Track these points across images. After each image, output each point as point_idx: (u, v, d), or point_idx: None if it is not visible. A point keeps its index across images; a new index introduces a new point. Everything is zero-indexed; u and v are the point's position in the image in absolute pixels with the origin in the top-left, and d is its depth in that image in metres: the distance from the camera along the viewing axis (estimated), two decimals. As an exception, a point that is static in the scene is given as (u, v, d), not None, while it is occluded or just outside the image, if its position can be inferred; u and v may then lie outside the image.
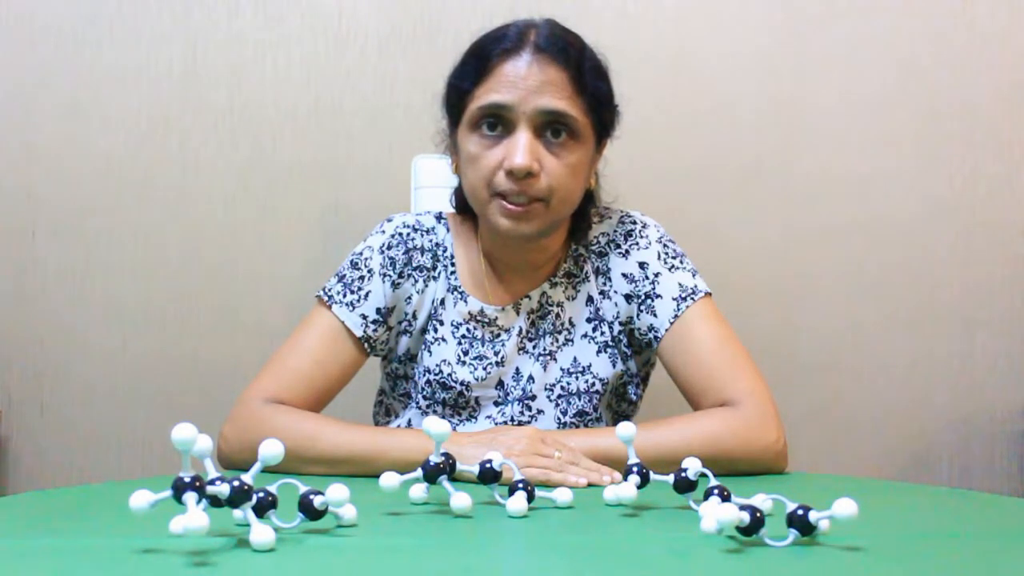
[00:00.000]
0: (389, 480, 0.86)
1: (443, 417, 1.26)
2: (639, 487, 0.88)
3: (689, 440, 1.09)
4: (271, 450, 0.74)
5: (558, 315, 1.28)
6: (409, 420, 1.31)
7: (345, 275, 1.27)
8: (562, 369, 1.27)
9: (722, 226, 1.88)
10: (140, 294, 1.83)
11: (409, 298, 1.28)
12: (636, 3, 1.88)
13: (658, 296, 1.24)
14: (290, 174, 1.84)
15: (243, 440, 1.13)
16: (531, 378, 1.26)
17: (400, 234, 1.29)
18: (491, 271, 1.28)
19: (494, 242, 1.26)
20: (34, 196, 1.82)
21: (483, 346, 1.27)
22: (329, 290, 1.26)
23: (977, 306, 1.94)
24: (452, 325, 1.27)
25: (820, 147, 1.92)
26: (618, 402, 1.32)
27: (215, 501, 0.71)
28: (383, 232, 1.29)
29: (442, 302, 1.28)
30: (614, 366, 1.28)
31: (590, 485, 1.02)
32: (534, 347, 1.27)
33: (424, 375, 1.27)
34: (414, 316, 1.28)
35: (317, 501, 0.77)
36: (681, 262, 1.27)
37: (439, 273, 1.29)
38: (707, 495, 0.81)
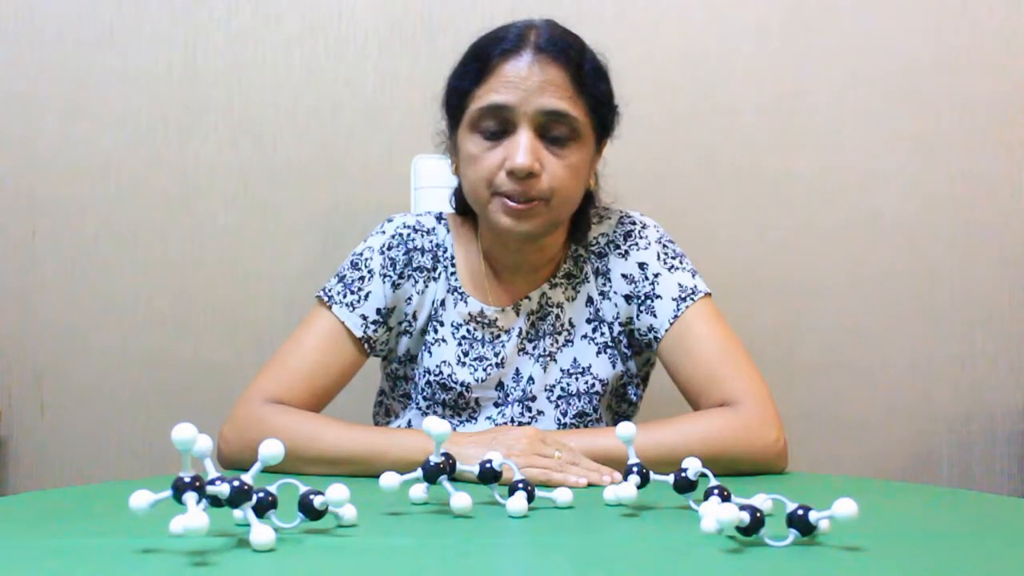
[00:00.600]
0: (389, 480, 0.86)
1: (443, 418, 1.26)
2: (639, 487, 0.88)
3: (689, 440, 1.09)
4: (271, 450, 0.74)
5: (558, 316, 1.28)
6: (409, 421, 1.31)
7: (345, 275, 1.27)
8: (562, 370, 1.27)
9: (722, 226, 1.88)
10: (140, 294, 1.83)
11: (409, 299, 1.28)
12: (636, 3, 1.88)
13: (658, 296, 1.24)
14: (290, 174, 1.84)
15: (243, 440, 1.13)
16: (531, 379, 1.26)
17: (400, 235, 1.29)
18: (491, 272, 1.28)
19: (494, 243, 1.26)
20: (34, 196, 1.82)
21: (483, 347, 1.27)
22: (329, 290, 1.26)
23: (977, 306, 1.94)
24: (452, 326, 1.27)
25: (820, 147, 1.92)
26: (618, 403, 1.32)
27: (215, 501, 0.71)
28: (383, 233, 1.29)
29: (442, 303, 1.28)
30: (614, 367, 1.28)
31: (590, 485, 1.02)
32: (534, 348, 1.27)
33: (424, 376, 1.27)
34: (414, 317, 1.28)
35: (317, 501, 0.77)
36: (681, 262, 1.27)
37: (439, 274, 1.29)
38: (707, 495, 0.81)
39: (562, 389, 1.27)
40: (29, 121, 1.81)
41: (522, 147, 1.13)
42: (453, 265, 1.29)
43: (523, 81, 1.14)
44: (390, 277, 1.26)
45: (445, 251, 1.29)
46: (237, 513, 0.74)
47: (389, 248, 1.28)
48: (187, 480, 0.68)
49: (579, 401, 1.26)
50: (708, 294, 1.25)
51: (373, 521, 0.82)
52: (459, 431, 1.25)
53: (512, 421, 1.26)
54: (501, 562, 0.72)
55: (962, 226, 1.93)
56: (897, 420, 1.94)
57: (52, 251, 1.82)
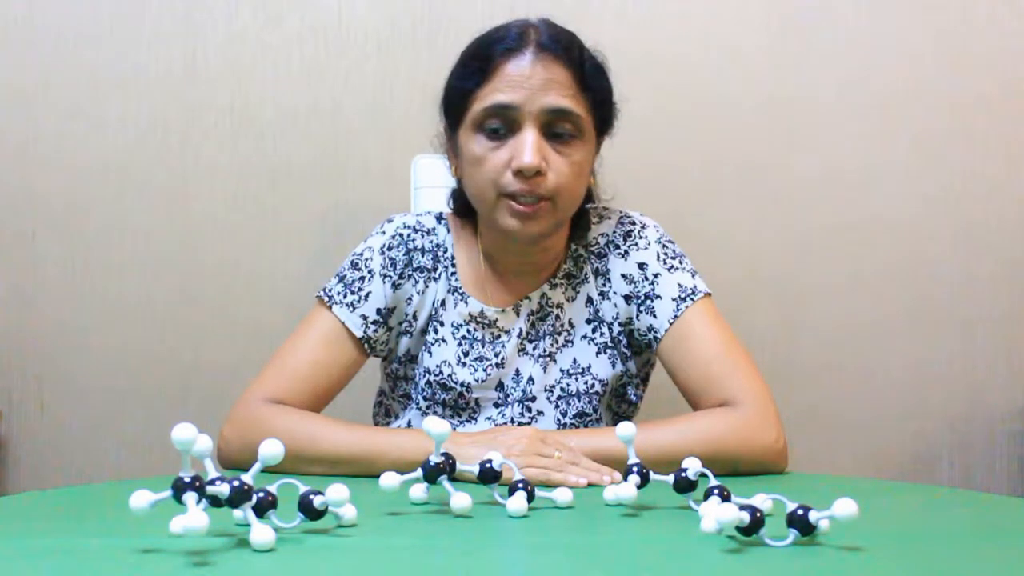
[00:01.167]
0: (389, 480, 0.86)
1: (443, 418, 1.26)
2: (639, 487, 0.88)
3: (689, 440, 1.09)
4: (271, 450, 0.74)
5: (558, 316, 1.28)
6: (409, 421, 1.31)
7: (345, 276, 1.27)
8: (562, 370, 1.27)
9: (722, 226, 1.88)
10: (140, 294, 1.82)
11: (409, 299, 1.28)
12: (636, 3, 1.88)
13: (657, 297, 1.24)
14: (290, 174, 1.84)
15: (243, 440, 1.13)
16: (531, 379, 1.26)
17: (401, 235, 1.29)
18: (491, 272, 1.28)
19: (496, 243, 1.26)
20: (34, 196, 1.81)
21: (483, 347, 1.27)
22: (329, 291, 1.26)
23: (977, 306, 1.93)
24: (452, 326, 1.27)
25: (819, 147, 1.92)
26: (618, 403, 1.32)
27: (215, 501, 0.72)
28: (383, 233, 1.29)
29: (443, 303, 1.28)
30: (614, 367, 1.28)
31: (590, 485, 1.02)
32: (534, 348, 1.27)
33: (424, 376, 1.27)
34: (414, 317, 1.28)
35: (317, 501, 0.77)
36: (680, 262, 1.27)
37: (440, 274, 1.29)
38: (707, 495, 0.81)
39: (562, 389, 1.27)
40: (29, 121, 1.81)
41: (528, 146, 1.13)
42: (454, 265, 1.29)
43: (527, 80, 1.14)
44: (390, 277, 1.26)
45: (445, 251, 1.29)
46: (237, 513, 0.74)
47: (389, 248, 1.27)
48: (187, 480, 0.68)
49: (579, 401, 1.26)
50: (708, 294, 1.25)
51: (373, 521, 0.82)
52: (459, 431, 1.25)
53: (512, 421, 1.26)
54: (501, 562, 0.72)
55: (962, 226, 1.93)
56: (897, 420, 1.94)
57: (52, 251, 1.82)
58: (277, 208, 1.84)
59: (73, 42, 1.81)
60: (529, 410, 1.26)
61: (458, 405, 1.27)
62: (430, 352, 1.27)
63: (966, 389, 1.94)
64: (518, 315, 1.28)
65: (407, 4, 1.85)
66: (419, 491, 0.90)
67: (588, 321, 1.29)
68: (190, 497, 0.67)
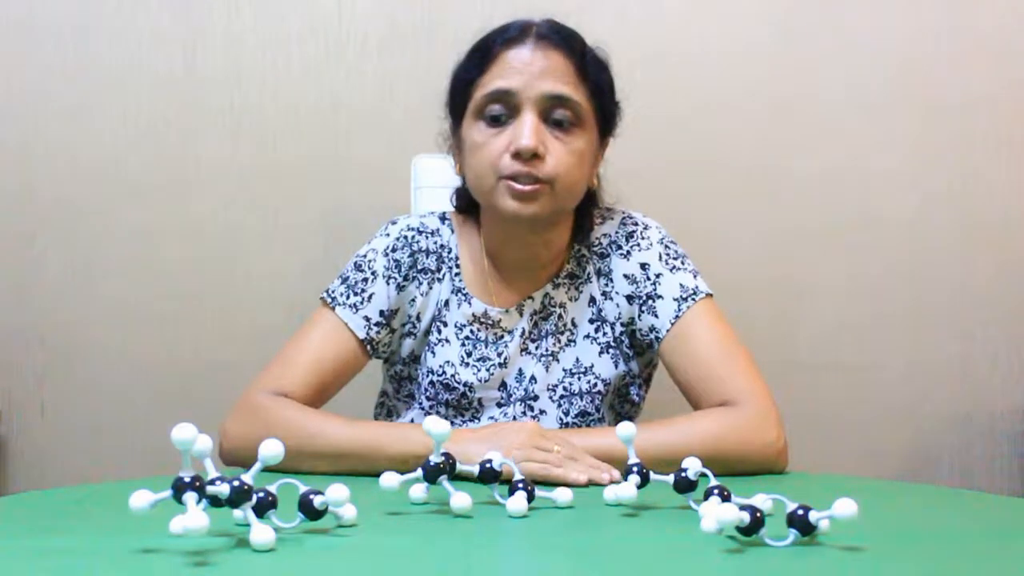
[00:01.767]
0: (389, 480, 0.86)
1: (446, 418, 1.26)
2: (639, 487, 0.88)
3: (689, 439, 1.09)
4: (271, 450, 0.74)
5: (560, 316, 1.28)
6: (412, 420, 1.31)
7: (349, 277, 1.27)
8: (564, 370, 1.27)
9: (722, 226, 1.88)
10: (140, 294, 1.82)
11: (413, 300, 1.28)
12: (636, 3, 1.88)
13: (659, 297, 1.24)
14: (290, 174, 1.84)
15: (246, 433, 1.13)
16: (533, 379, 1.27)
17: (405, 237, 1.29)
18: (495, 272, 1.29)
19: (499, 238, 1.26)
20: (34, 196, 1.81)
21: (486, 347, 1.27)
22: (332, 292, 1.26)
23: (977, 306, 1.93)
24: (456, 327, 1.28)
25: (819, 147, 1.92)
26: (620, 403, 1.32)
27: (215, 501, 0.72)
28: (387, 235, 1.30)
29: (446, 304, 1.28)
30: (616, 367, 1.28)
31: (590, 483, 1.02)
32: (536, 348, 1.28)
33: (427, 376, 1.27)
34: (418, 318, 1.29)
35: (317, 501, 0.77)
36: (683, 263, 1.27)
37: (444, 275, 1.29)
38: (707, 495, 0.81)
39: (564, 389, 1.27)
40: (29, 121, 1.81)
41: (527, 128, 1.15)
42: (457, 266, 1.29)
43: (526, 67, 1.16)
44: (395, 279, 1.27)
45: (449, 252, 1.30)
46: (237, 513, 0.74)
47: (393, 250, 1.28)
48: (187, 480, 0.68)
49: (581, 401, 1.26)
50: (710, 295, 1.25)
51: (373, 521, 0.82)
52: (460, 429, 1.25)
53: (514, 420, 1.26)
54: (501, 562, 0.72)
55: (962, 226, 1.93)
56: (897, 420, 1.93)
57: (52, 251, 1.82)
58: (277, 208, 1.84)
59: (73, 42, 1.81)
60: (532, 409, 1.26)
61: (461, 405, 1.27)
62: (433, 352, 1.28)
63: (966, 389, 1.94)
64: (521, 315, 1.28)
65: (407, 4, 1.85)
66: (419, 491, 0.90)
67: (591, 321, 1.29)
68: (190, 497, 0.67)
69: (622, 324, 1.28)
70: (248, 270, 1.84)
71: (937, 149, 1.93)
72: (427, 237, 1.30)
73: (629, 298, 1.27)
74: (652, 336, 1.25)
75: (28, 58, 1.81)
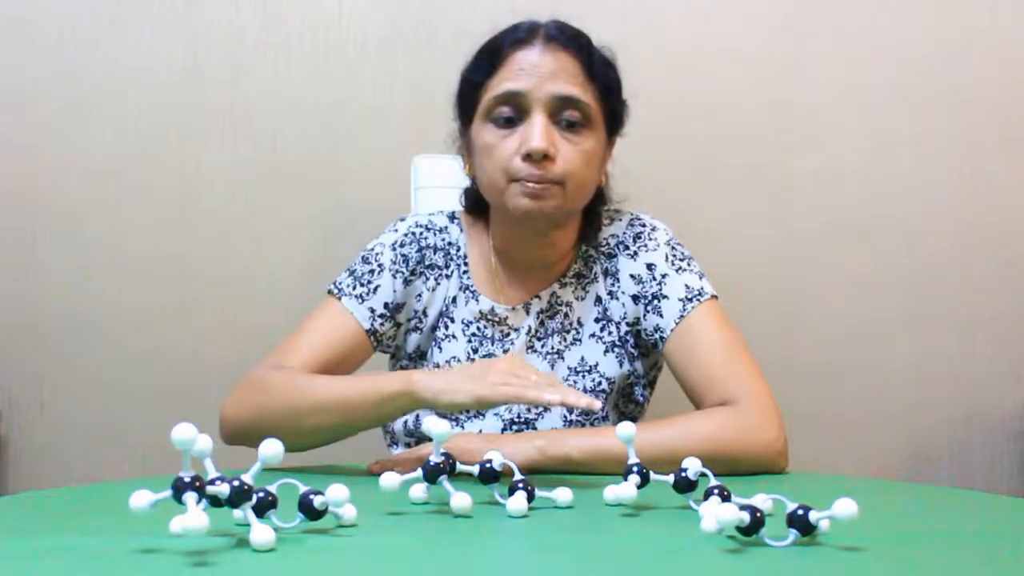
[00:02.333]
0: (389, 480, 0.86)
1: (451, 414, 1.27)
2: (639, 487, 0.88)
3: (689, 439, 1.09)
4: (271, 450, 0.74)
5: (567, 315, 1.29)
6: (417, 415, 1.31)
7: (356, 269, 1.28)
8: (569, 368, 1.28)
9: (722, 226, 1.88)
10: (140, 294, 1.82)
11: (419, 295, 1.29)
12: (637, 3, 1.88)
13: (664, 297, 1.25)
14: (290, 174, 1.84)
15: (242, 401, 1.16)
16: (536, 377, 1.27)
17: (413, 233, 1.30)
18: (503, 271, 1.30)
19: (507, 237, 1.27)
20: (34, 196, 1.81)
21: (492, 344, 1.28)
22: (339, 284, 1.28)
23: (977, 306, 1.93)
24: (463, 323, 1.28)
25: (820, 146, 1.92)
26: (625, 403, 1.32)
27: (215, 501, 0.71)
28: (396, 231, 1.31)
29: (453, 300, 1.29)
30: (621, 366, 1.28)
31: (563, 404, 0.99)
32: (542, 346, 1.28)
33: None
34: (424, 313, 1.29)
35: (317, 501, 0.77)
36: (688, 264, 1.27)
37: (452, 272, 1.30)
38: (707, 495, 0.81)
39: (569, 387, 1.27)
40: (29, 121, 1.81)
41: (537, 130, 1.15)
42: (466, 264, 1.30)
43: (535, 68, 1.17)
44: (402, 273, 1.28)
45: (458, 250, 1.31)
46: (237, 513, 0.74)
47: (401, 245, 1.29)
48: (187, 480, 0.68)
49: (586, 399, 1.27)
50: (715, 296, 1.25)
51: (373, 521, 0.82)
52: (466, 427, 1.26)
53: (519, 416, 1.27)
54: (501, 562, 0.72)
55: (962, 226, 1.93)
56: (897, 420, 1.94)
57: (52, 251, 1.82)
58: (277, 208, 1.84)
59: (73, 42, 1.81)
60: (536, 406, 1.26)
61: None
62: (440, 348, 1.28)
63: (966, 389, 1.94)
64: (528, 313, 1.29)
65: (407, 4, 1.85)
66: (419, 491, 0.90)
67: (597, 320, 1.29)
68: (190, 497, 0.67)
69: (627, 324, 1.29)
70: (248, 270, 1.84)
71: (937, 149, 1.93)
72: (435, 234, 1.31)
73: (635, 298, 1.28)
74: (657, 336, 1.25)
75: (28, 58, 1.81)
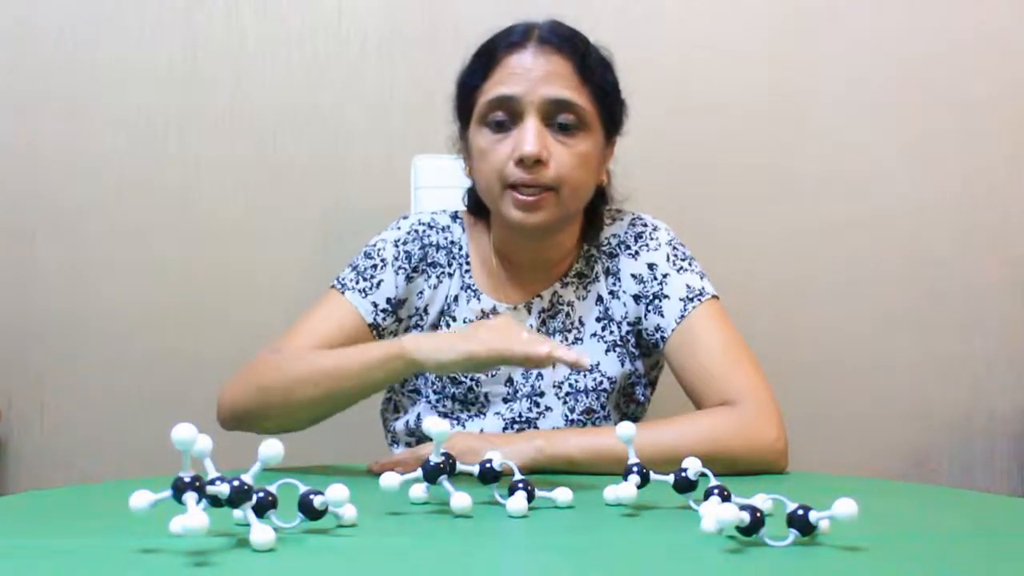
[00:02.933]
0: (389, 480, 0.86)
1: (452, 413, 1.28)
2: (639, 487, 0.88)
3: (689, 439, 1.09)
4: (271, 450, 0.74)
5: (568, 314, 1.29)
6: (419, 414, 1.31)
7: (359, 265, 1.29)
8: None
9: (722, 226, 1.88)
10: (140, 294, 1.82)
11: (421, 292, 1.29)
12: (636, 3, 1.88)
13: (665, 297, 1.25)
14: (290, 174, 1.84)
15: (235, 383, 1.18)
16: (540, 375, 1.27)
17: (416, 231, 1.31)
18: (504, 270, 1.30)
19: (508, 239, 1.27)
20: (34, 196, 1.82)
21: None
22: (343, 279, 1.28)
23: (977, 306, 1.93)
24: (464, 322, 1.29)
25: (820, 146, 1.92)
26: (626, 403, 1.32)
27: (215, 501, 0.71)
28: (399, 228, 1.32)
29: (455, 299, 1.30)
30: (622, 365, 1.28)
31: (550, 358, 0.99)
32: None
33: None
34: (425, 311, 1.30)
35: (317, 501, 0.77)
36: (690, 264, 1.27)
37: (454, 270, 1.30)
38: (707, 495, 0.81)
39: (570, 385, 1.27)
40: (29, 121, 1.81)
41: (529, 135, 1.15)
42: (467, 263, 1.30)
43: (528, 72, 1.17)
44: (404, 269, 1.28)
45: (460, 249, 1.31)
46: (237, 513, 0.74)
47: (404, 243, 1.30)
48: (187, 480, 0.68)
49: (587, 398, 1.27)
50: (716, 297, 1.25)
51: (373, 521, 0.82)
52: (468, 427, 1.27)
53: (520, 416, 1.27)
54: (501, 562, 0.72)
55: (962, 226, 1.93)
56: (897, 420, 1.93)
57: (52, 251, 1.82)
58: (277, 208, 1.84)
59: (73, 42, 1.81)
60: (538, 405, 1.27)
61: (467, 399, 1.27)
62: None
63: (966, 389, 1.94)
64: (530, 312, 1.29)
65: (407, 4, 1.85)
66: (419, 491, 0.90)
67: (598, 319, 1.29)
68: (190, 497, 0.67)
69: (628, 323, 1.29)
70: (248, 270, 1.84)
71: (937, 149, 1.93)
72: (438, 232, 1.31)
73: (636, 298, 1.28)
74: (658, 336, 1.25)
75: (28, 58, 1.81)
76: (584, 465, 1.09)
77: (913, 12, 1.92)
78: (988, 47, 1.92)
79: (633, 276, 1.28)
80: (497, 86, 1.18)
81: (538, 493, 0.89)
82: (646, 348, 1.30)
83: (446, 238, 1.31)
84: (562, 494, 0.90)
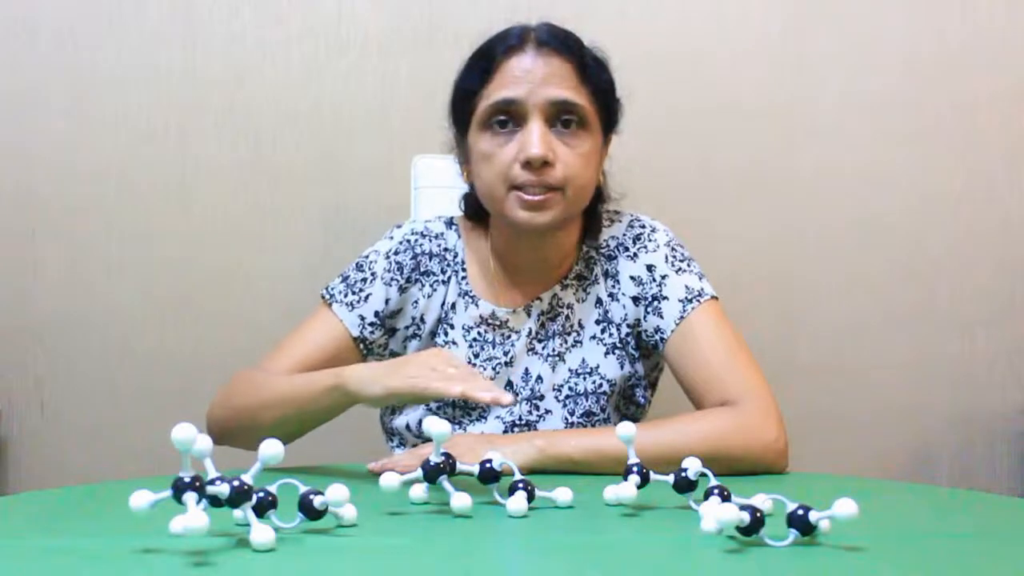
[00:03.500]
0: (389, 480, 0.86)
1: (453, 417, 1.28)
2: (639, 487, 0.88)
3: (689, 439, 1.09)
4: (271, 450, 0.74)
5: (568, 317, 1.29)
6: (420, 420, 1.31)
7: (349, 276, 1.29)
8: (570, 370, 1.28)
9: (722, 226, 1.88)
10: (140, 294, 1.83)
11: (416, 302, 1.29)
12: (635, 3, 1.88)
13: (664, 298, 1.25)
14: (290, 174, 1.84)
15: (217, 403, 1.21)
16: (539, 378, 1.27)
17: (408, 240, 1.31)
18: (503, 274, 1.29)
19: (509, 242, 1.27)
20: (34, 196, 1.82)
21: (493, 348, 1.28)
22: (331, 289, 1.29)
23: (977, 306, 1.94)
24: (463, 329, 1.28)
25: (820, 146, 1.92)
26: (626, 405, 1.32)
27: (215, 501, 0.72)
28: (391, 238, 1.32)
29: (452, 306, 1.29)
30: (622, 368, 1.28)
31: (463, 396, 0.96)
32: (543, 348, 1.28)
33: None
34: (422, 320, 1.29)
35: (317, 501, 0.77)
36: (688, 265, 1.27)
37: (449, 278, 1.30)
38: (707, 495, 0.81)
39: (570, 389, 1.27)
40: (29, 121, 1.81)
41: (535, 137, 1.15)
42: (464, 269, 1.30)
43: (529, 74, 1.17)
44: (397, 281, 1.28)
45: (455, 256, 1.31)
46: (237, 513, 0.74)
47: (396, 253, 1.29)
48: (187, 480, 0.68)
49: (587, 401, 1.27)
50: (715, 297, 1.25)
51: (373, 521, 0.82)
52: (469, 431, 1.27)
53: (520, 419, 1.27)
54: (501, 562, 0.72)
55: (962, 226, 1.93)
56: (897, 420, 1.94)
57: (52, 251, 1.82)
58: (277, 208, 1.84)
59: (73, 42, 1.81)
60: (537, 408, 1.27)
61: (468, 405, 1.27)
62: None
63: (966, 389, 1.94)
64: (529, 315, 1.28)
65: (407, 4, 1.85)
66: (419, 491, 0.90)
67: (597, 322, 1.29)
68: (190, 497, 0.67)
69: (628, 325, 1.29)
70: (247, 270, 1.84)
71: (937, 149, 1.93)
72: (430, 240, 1.31)
73: (635, 299, 1.28)
74: (657, 337, 1.25)
75: (28, 58, 1.81)
76: (584, 465, 1.09)
77: (913, 12, 1.92)
78: (988, 47, 1.92)
79: (632, 278, 1.28)
80: (499, 90, 1.18)
81: (538, 493, 0.89)
82: (646, 350, 1.30)
83: (440, 245, 1.31)
84: (562, 494, 0.90)
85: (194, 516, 0.65)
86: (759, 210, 1.90)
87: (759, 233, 1.90)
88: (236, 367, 1.27)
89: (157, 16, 1.82)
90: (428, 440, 1.06)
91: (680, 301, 1.24)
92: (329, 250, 1.82)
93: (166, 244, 1.83)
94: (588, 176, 1.21)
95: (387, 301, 1.27)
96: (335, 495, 0.76)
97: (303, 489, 0.78)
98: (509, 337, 1.28)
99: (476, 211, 1.30)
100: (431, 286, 1.30)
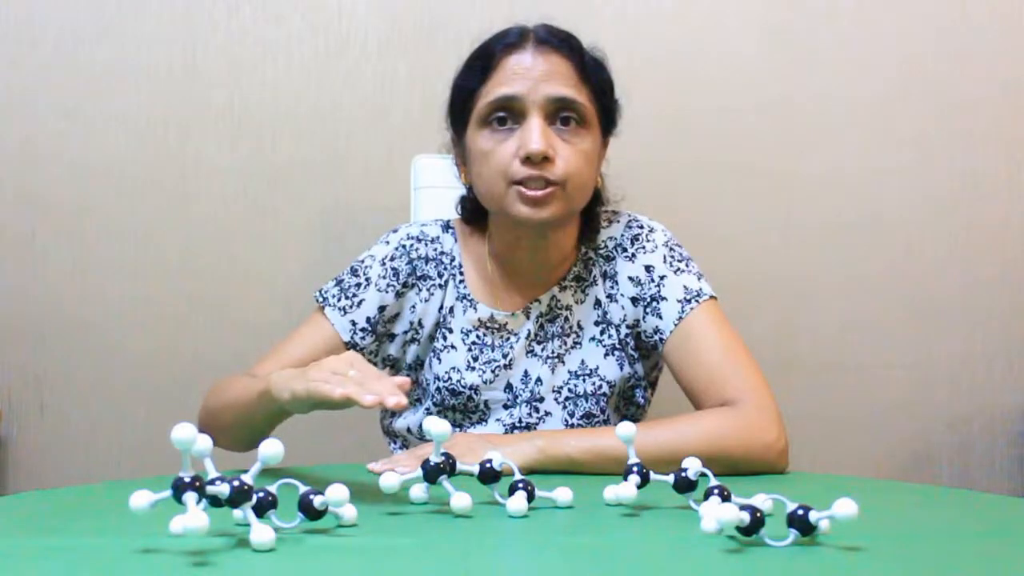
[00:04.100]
0: (389, 480, 0.86)
1: (455, 422, 1.28)
2: (639, 487, 0.88)
3: (689, 439, 1.09)
4: (271, 450, 0.74)
5: (566, 318, 1.29)
6: (421, 422, 1.31)
7: (343, 280, 1.29)
8: (570, 372, 1.28)
9: (722, 226, 1.88)
10: (140, 294, 1.82)
11: (413, 307, 1.29)
12: (635, 3, 1.88)
13: (663, 299, 1.25)
14: (290, 174, 1.84)
15: (204, 401, 1.22)
16: (539, 380, 1.27)
17: (403, 245, 1.30)
18: (501, 277, 1.29)
19: (507, 242, 1.27)
20: (34, 196, 1.82)
21: (492, 351, 1.28)
22: (325, 292, 1.29)
23: (977, 306, 1.93)
24: (462, 332, 1.28)
25: (820, 146, 1.92)
26: (626, 405, 1.32)
27: (215, 501, 0.72)
28: (387, 243, 1.31)
29: (451, 310, 1.29)
30: (621, 369, 1.28)
31: (345, 398, 0.91)
32: (542, 350, 1.28)
33: (434, 382, 1.28)
34: (420, 324, 1.29)
35: (317, 501, 0.77)
36: (687, 265, 1.27)
37: (446, 281, 1.30)
38: (707, 495, 0.81)
39: (570, 390, 1.27)
40: (29, 121, 1.81)
41: (535, 132, 1.15)
42: (461, 273, 1.30)
43: (528, 72, 1.17)
44: (393, 287, 1.28)
45: (452, 259, 1.30)
46: (237, 513, 0.74)
47: (391, 259, 1.29)
48: (187, 480, 0.68)
49: (586, 402, 1.27)
50: (714, 297, 1.25)
51: (373, 521, 0.82)
52: (470, 431, 1.26)
53: (520, 421, 1.27)
54: (501, 562, 0.72)
55: (962, 226, 1.93)
56: (897, 420, 1.94)
57: (52, 251, 1.82)
58: (277, 208, 1.84)
59: (73, 42, 1.81)
60: (537, 411, 1.27)
61: (468, 408, 1.28)
62: (439, 359, 1.28)
63: (966, 389, 1.94)
64: (528, 317, 1.28)
65: (407, 4, 1.85)
66: (419, 491, 0.90)
67: (596, 323, 1.29)
68: (190, 497, 0.67)
69: (627, 326, 1.28)
70: (248, 270, 1.84)
71: (937, 149, 1.93)
72: (427, 244, 1.31)
73: (634, 300, 1.27)
74: (656, 338, 1.25)
75: (28, 58, 1.81)
76: (584, 465, 1.09)
77: (913, 12, 1.92)
78: (988, 47, 1.92)
79: (630, 279, 1.28)
80: (498, 87, 1.18)
81: (538, 493, 0.89)
82: (645, 350, 1.30)
83: (436, 249, 1.31)
84: (562, 494, 0.90)
85: (194, 516, 0.65)
86: (759, 210, 1.90)
87: (759, 233, 1.90)
88: (236, 367, 1.27)
89: (157, 16, 1.82)
90: (429, 440, 1.07)
91: (679, 301, 1.24)
92: (329, 250, 1.81)
93: (166, 243, 1.83)
94: (588, 174, 1.21)
95: (382, 308, 1.27)
96: (335, 495, 0.76)
97: (303, 489, 0.78)
98: (508, 339, 1.28)
99: (473, 213, 1.30)
100: (428, 290, 1.29)
